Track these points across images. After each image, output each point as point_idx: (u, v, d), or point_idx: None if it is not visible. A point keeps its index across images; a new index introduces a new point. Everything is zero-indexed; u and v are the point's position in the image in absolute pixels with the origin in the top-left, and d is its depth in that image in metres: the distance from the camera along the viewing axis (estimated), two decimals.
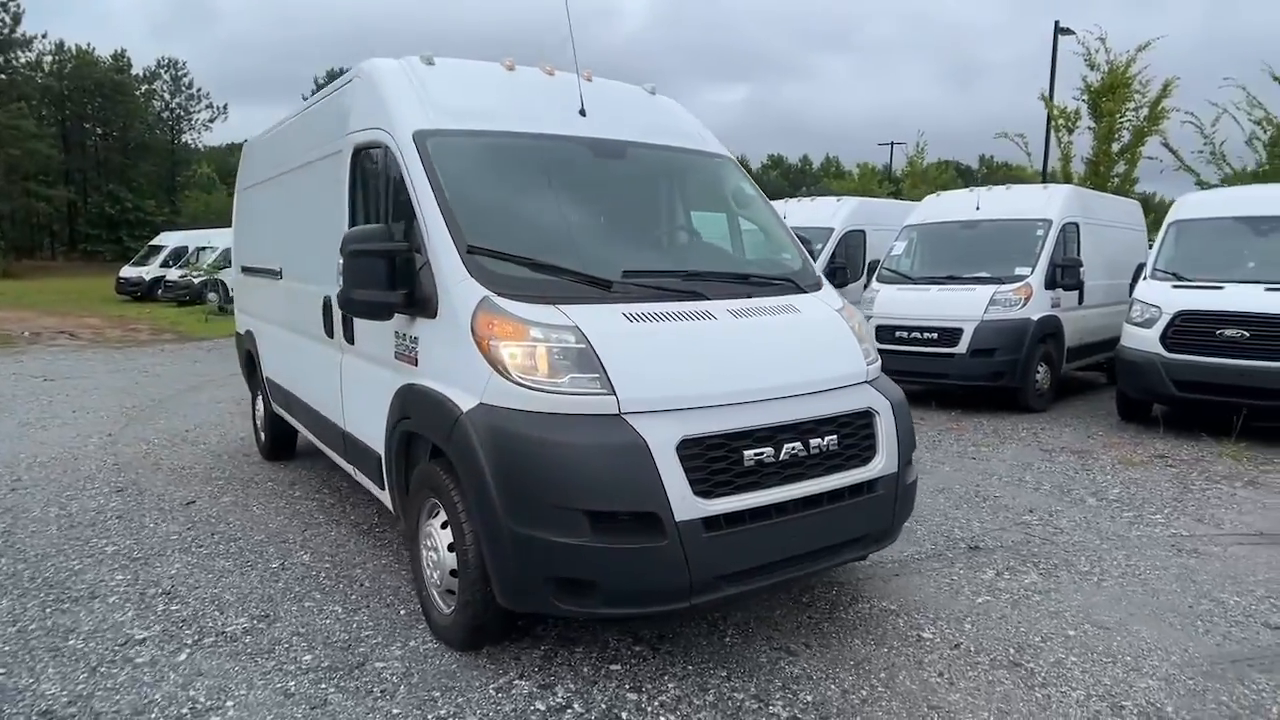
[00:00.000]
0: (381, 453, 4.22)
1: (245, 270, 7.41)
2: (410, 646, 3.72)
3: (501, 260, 3.64)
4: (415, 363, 3.76)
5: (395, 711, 3.18)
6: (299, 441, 7.29)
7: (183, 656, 3.63)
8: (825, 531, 3.52)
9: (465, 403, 3.37)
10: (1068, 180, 15.54)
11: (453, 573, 3.60)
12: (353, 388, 4.61)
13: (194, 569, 4.68)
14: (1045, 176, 17.97)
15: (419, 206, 3.76)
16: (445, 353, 3.55)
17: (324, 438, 5.32)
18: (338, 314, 4.65)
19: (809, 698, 3.29)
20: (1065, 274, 9.34)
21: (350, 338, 4.53)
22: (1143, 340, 8.01)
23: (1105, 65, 15.46)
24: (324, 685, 3.38)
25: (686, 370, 3.40)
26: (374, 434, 4.31)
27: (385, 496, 4.35)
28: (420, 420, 3.69)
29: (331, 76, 42.49)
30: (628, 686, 3.37)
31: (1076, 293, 9.55)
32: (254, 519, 5.60)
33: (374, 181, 4.36)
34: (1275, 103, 14.68)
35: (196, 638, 3.81)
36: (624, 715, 3.16)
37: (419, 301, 3.69)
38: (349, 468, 4.94)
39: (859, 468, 3.62)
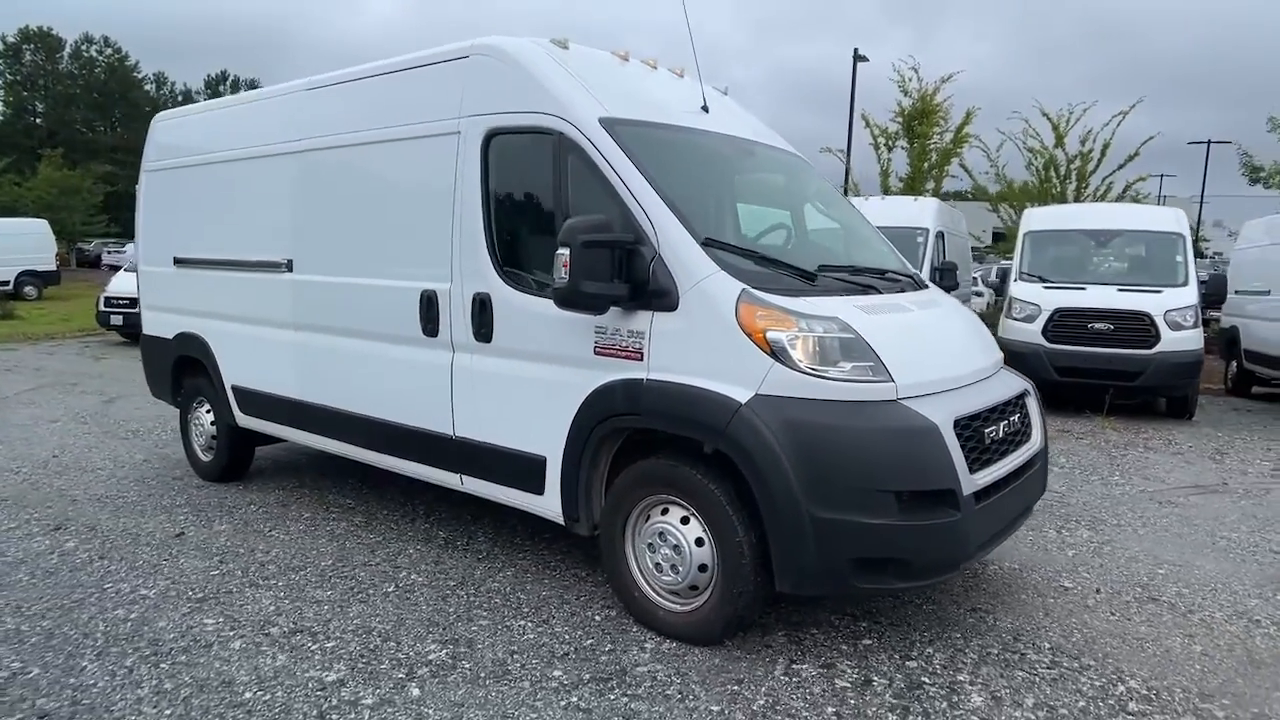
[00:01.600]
0: (548, 455, 4.01)
1: (183, 263, 6.42)
2: (650, 648, 3.61)
3: (732, 253, 3.66)
4: (640, 357, 3.65)
5: (714, 709, 3.12)
6: (255, 459, 6.51)
7: (414, 692, 3.25)
8: (1021, 499, 3.94)
9: (738, 394, 3.37)
10: (887, 193, 17.55)
11: (701, 568, 3.56)
12: (486, 389, 4.29)
13: (295, 602, 4.11)
14: (847, 189, 20.08)
15: (634, 198, 3.66)
16: (695, 346, 3.50)
17: (395, 448, 4.85)
18: (458, 309, 4.32)
19: (1045, 644, 3.69)
20: (944, 277, 10.58)
21: (486, 335, 4.22)
22: (1026, 333, 9.40)
23: (917, 92, 17.74)
24: (609, 695, 3.21)
25: (930, 356, 3.65)
26: (531, 436, 4.09)
27: (541, 502, 4.12)
28: (665, 415, 3.58)
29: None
30: (898, 656, 3.56)
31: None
32: (294, 545, 4.97)
33: (530, 169, 4.13)
34: (1048, 133, 17.68)
35: (406, 671, 3.41)
36: (925, 680, 3.36)
37: (653, 294, 3.59)
38: (452, 477, 4.56)
39: (1027, 442, 4.09)
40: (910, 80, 17.90)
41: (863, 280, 4.08)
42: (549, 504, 4.10)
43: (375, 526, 5.34)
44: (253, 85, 72.79)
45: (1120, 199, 17.24)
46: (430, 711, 3.10)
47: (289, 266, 5.42)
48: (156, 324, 6.80)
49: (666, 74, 4.81)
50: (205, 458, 6.56)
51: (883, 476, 3.24)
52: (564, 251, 3.53)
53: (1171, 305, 9.03)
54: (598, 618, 3.93)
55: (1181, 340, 8.79)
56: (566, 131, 3.90)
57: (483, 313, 4.21)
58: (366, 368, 4.94)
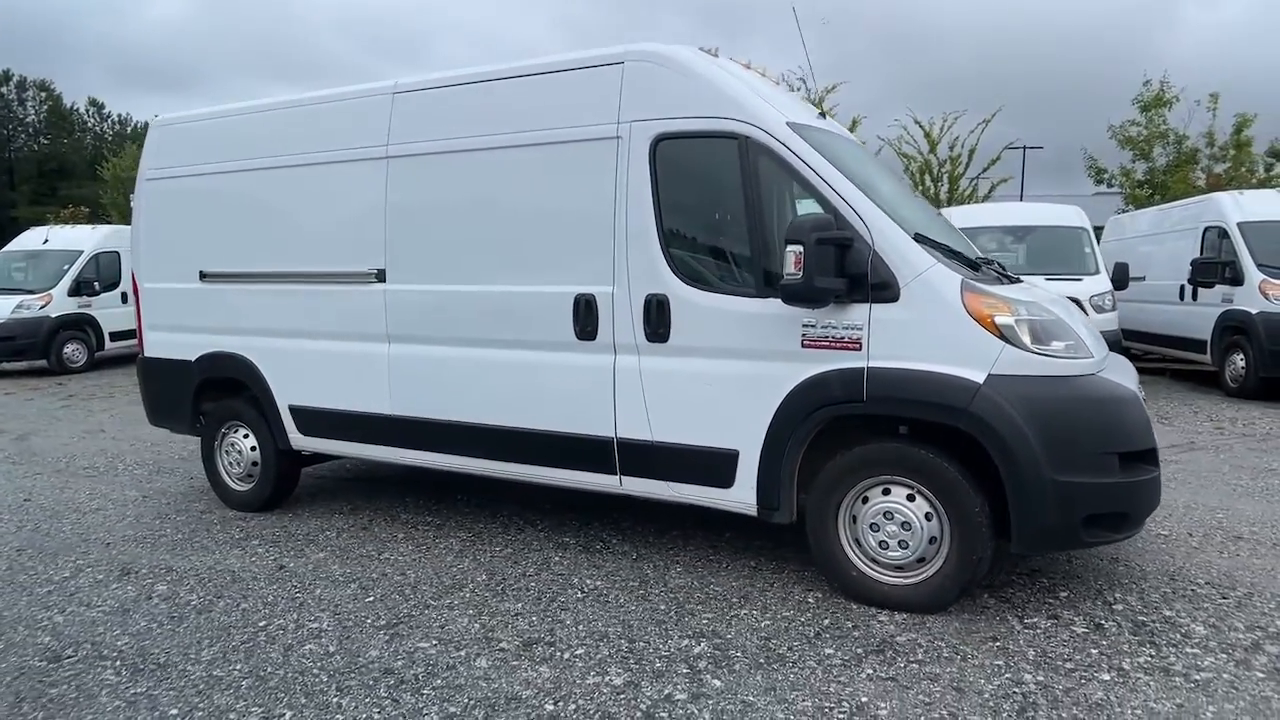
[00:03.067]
0: (742, 448, 4.14)
1: (214, 278, 5.91)
2: (884, 620, 3.82)
3: (931, 246, 3.96)
4: (858, 347, 3.86)
5: (998, 663, 3.39)
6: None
7: (715, 683, 3.30)
8: None
9: (974, 375, 3.67)
10: None
11: (931, 540, 3.83)
12: (660, 389, 4.33)
13: (493, 617, 3.99)
14: None
15: (841, 198, 3.89)
16: (921, 333, 3.76)
17: (533, 456, 4.76)
18: (623, 311, 4.35)
19: (1201, 579, 4.25)
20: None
21: (662, 336, 4.28)
22: None
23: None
24: (898, 663, 3.40)
25: (1090, 335, 4.10)
26: (719, 432, 4.20)
27: (729, 495, 4.23)
28: (896, 400, 3.80)
29: None
30: (1100, 602, 3.98)
31: None
32: (425, 565, 4.76)
33: (711, 172, 4.27)
34: (922, 141, 19.28)
35: (687, 666, 3.44)
36: (1143, 619, 3.79)
37: (873, 287, 3.82)
38: (607, 479, 4.56)
39: None
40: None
41: (998, 270, 4.51)
42: (739, 496, 4.22)
43: (491, 539, 5.20)
44: (43, 86, 65.36)
45: (986, 199, 19.13)
46: (752, 698, 3.18)
47: (380, 277, 5.17)
48: (169, 346, 6.20)
49: (768, 82, 5.04)
50: (241, 487, 6.06)
51: (1110, 440, 3.64)
52: (796, 248, 3.69)
53: (1094, 290, 10.23)
54: (810, 599, 4.10)
55: (1105, 321, 9.98)
56: (754, 135, 4.05)
57: (659, 314, 4.27)
58: (496, 377, 4.82)
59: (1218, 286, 10.81)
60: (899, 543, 3.89)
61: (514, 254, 4.75)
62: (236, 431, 6.03)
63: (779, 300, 3.92)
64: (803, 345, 3.97)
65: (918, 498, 3.86)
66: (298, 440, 5.71)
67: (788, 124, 4.07)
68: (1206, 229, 11.26)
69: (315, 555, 5.02)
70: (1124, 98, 21.28)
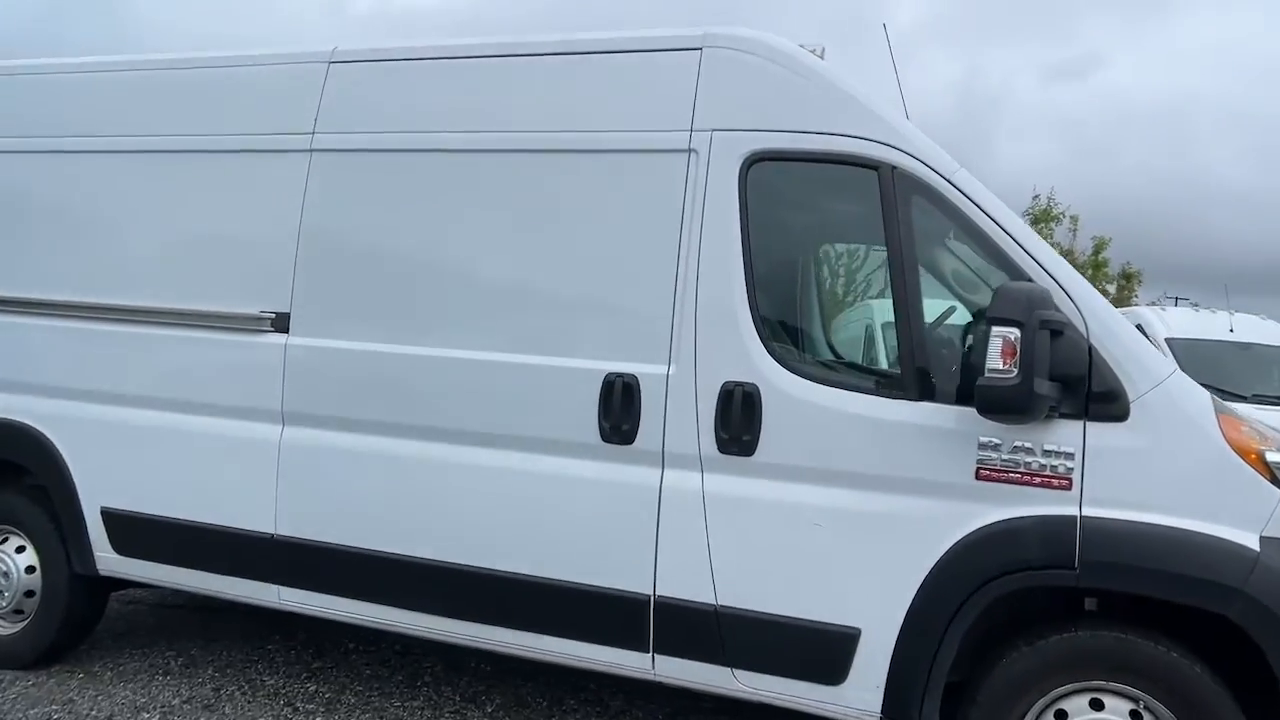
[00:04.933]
0: (866, 627, 2.73)
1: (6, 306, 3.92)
2: None
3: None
4: (1068, 485, 2.58)
5: None
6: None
7: None
8: None
9: (1242, 537, 2.48)
10: None
11: None
12: (734, 525, 2.87)
13: None
14: None
15: (1039, 264, 2.68)
16: (1161, 470, 2.55)
17: (516, 617, 3.11)
18: (683, 404, 2.90)
19: None
20: None
21: (745, 445, 2.84)
22: None
23: None
24: None
25: None
26: (831, 599, 2.79)
27: (835, 695, 2.78)
28: (1127, 570, 2.52)
29: None
30: None
31: None
32: None
33: (833, 212, 2.96)
34: None
35: None
36: None
37: (1094, 397, 2.58)
38: (636, 658, 2.99)
39: None
40: None
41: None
42: (852, 699, 2.77)
43: None
44: None
45: None
46: None
47: (279, 324, 3.43)
48: None
49: None
50: (7, 629, 3.93)
51: None
52: (1009, 331, 2.41)
53: None
54: None
55: None
56: (905, 166, 2.79)
57: (744, 412, 2.83)
58: (466, 490, 3.19)
59: None
60: None
61: (510, 306, 3.19)
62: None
63: (943, 406, 2.66)
64: (978, 477, 2.65)
65: (1145, 716, 2.57)
66: (109, 562, 3.73)
67: (944, 156, 2.84)
68: None
69: None
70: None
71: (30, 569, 3.89)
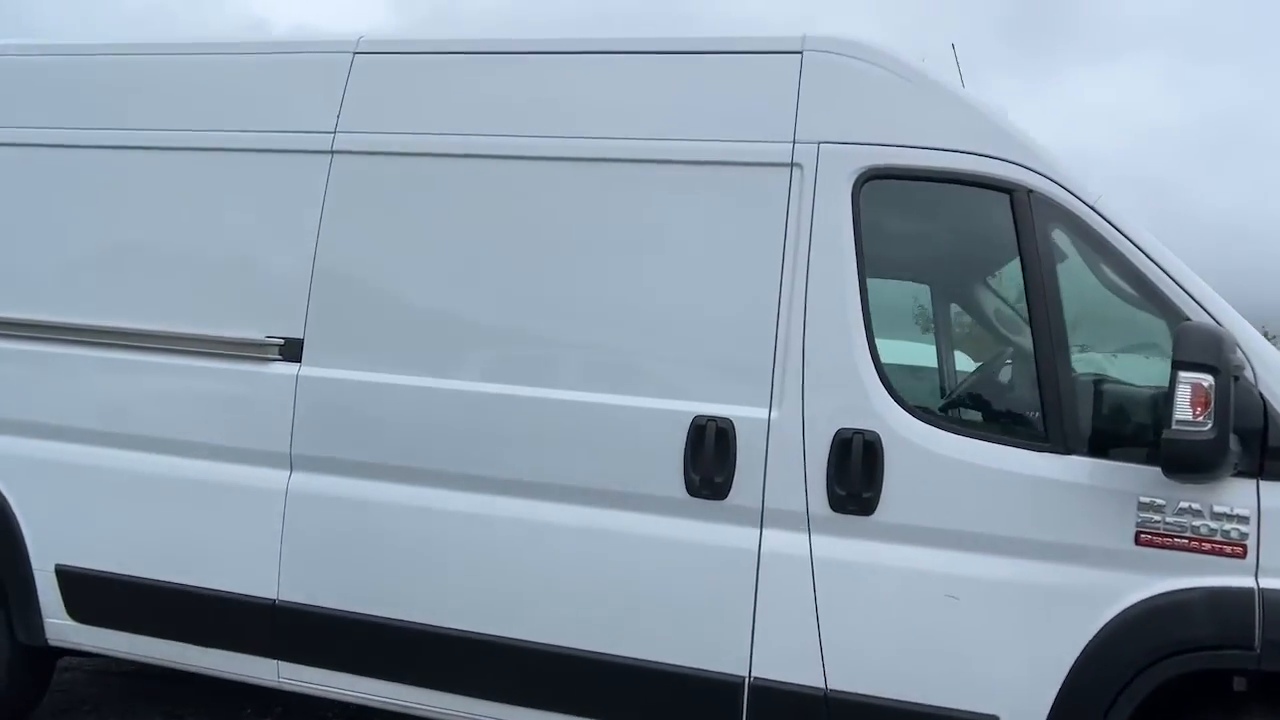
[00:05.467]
0: (1004, 714, 2.35)
1: None
2: None
3: None
4: (1242, 553, 2.27)
5: None
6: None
7: None
8: None
9: None
10: None
11: None
12: (860, 597, 2.47)
13: None
14: None
15: (1200, 304, 2.38)
16: None
17: (600, 702, 2.63)
18: (789, 453, 2.52)
19: None
20: None
21: (864, 502, 2.45)
22: None
23: None
24: None
25: None
26: (972, 684, 2.41)
27: None
28: None
29: None
30: None
31: None
32: None
33: (958, 237, 2.62)
34: None
35: None
36: None
37: (1272, 453, 2.28)
38: None
39: None
40: None
41: None
42: None
43: None
44: None
45: None
46: None
47: (289, 352, 2.92)
48: None
49: None
50: None
51: None
52: (1202, 378, 2.09)
53: None
54: None
55: None
56: (1043, 190, 2.48)
57: (864, 464, 2.45)
58: (517, 551, 2.71)
59: None
60: None
61: (573, 335, 2.76)
62: None
63: (1098, 460, 2.32)
64: (1138, 542, 2.31)
65: None
66: (62, 631, 3.13)
67: (1076, 181, 2.55)
68: None
69: None
70: None
71: None
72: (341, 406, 2.88)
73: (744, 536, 2.54)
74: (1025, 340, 2.48)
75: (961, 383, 2.76)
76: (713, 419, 2.55)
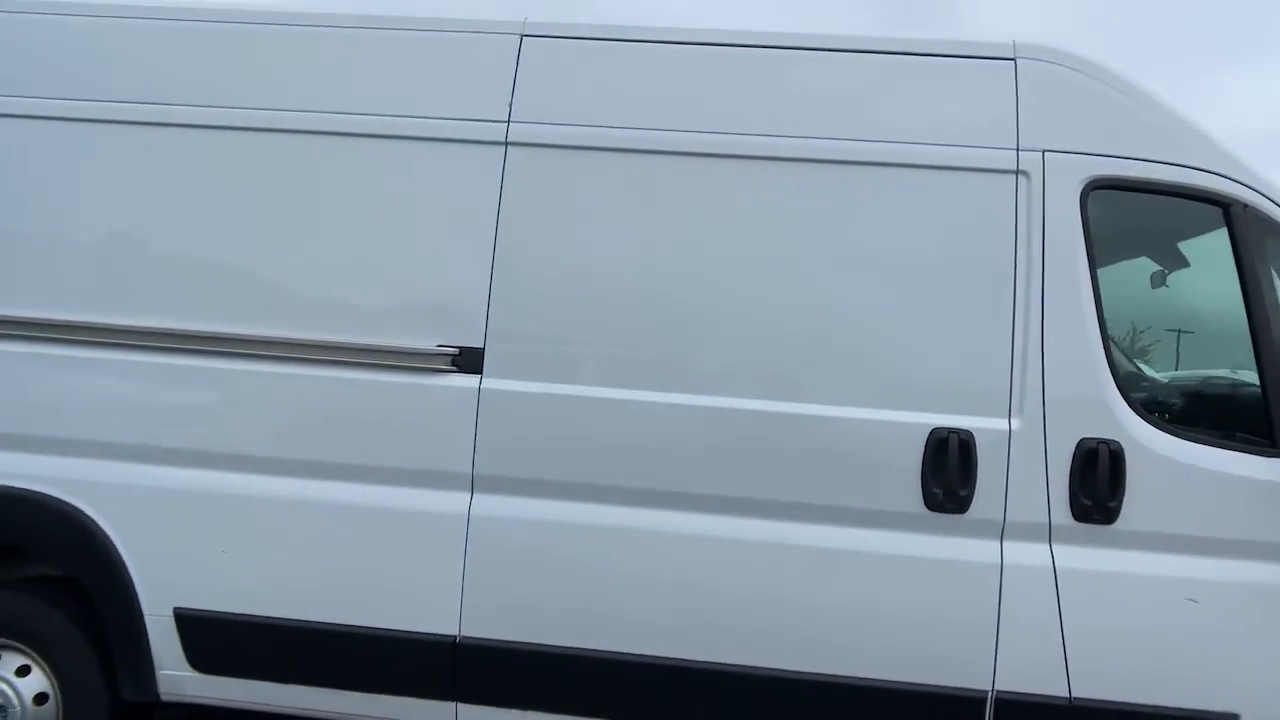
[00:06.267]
0: (1256, 715, 2.45)
1: (18, 330, 2.80)
2: None
3: None
4: None
5: None
6: None
7: None
8: None
9: None
10: None
11: None
12: (1103, 606, 2.49)
13: None
14: None
15: None
16: None
17: None
18: (1030, 464, 2.51)
19: None
20: None
21: (1107, 511, 2.48)
22: None
23: None
24: None
25: None
26: (1212, 685, 2.48)
27: None
28: None
29: None
30: None
31: None
32: None
33: (1178, 248, 2.67)
34: None
35: None
36: None
37: None
38: None
39: None
40: None
41: None
42: None
43: None
44: None
45: None
46: None
47: (464, 363, 2.66)
48: None
49: None
50: None
51: None
52: None
53: None
54: None
55: None
56: (1257, 205, 2.58)
57: (1110, 473, 2.48)
58: (745, 571, 2.58)
59: None
60: None
61: (794, 345, 2.64)
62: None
63: None
64: None
65: None
66: (179, 684, 2.75)
67: None
68: None
69: None
70: None
71: (40, 698, 2.76)
72: (533, 422, 2.64)
73: (986, 550, 2.52)
74: (1247, 348, 2.56)
75: (1191, 391, 2.83)
76: (954, 431, 2.50)
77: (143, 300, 2.73)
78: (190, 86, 2.80)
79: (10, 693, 2.74)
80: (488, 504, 2.65)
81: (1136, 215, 2.75)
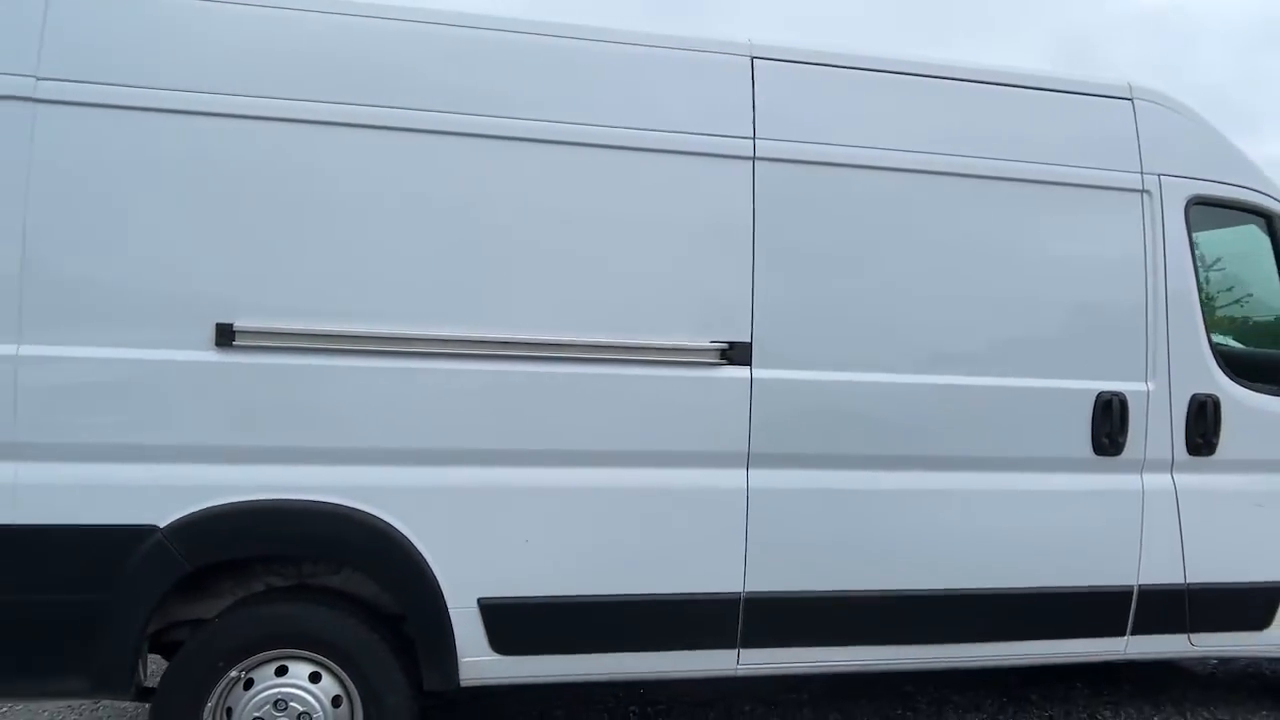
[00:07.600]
0: None
1: (285, 341, 2.76)
2: None
3: None
4: None
5: None
6: None
7: None
8: None
9: None
10: None
11: None
12: (1205, 516, 3.37)
13: None
14: None
15: None
16: None
17: (1026, 625, 3.29)
18: (1160, 416, 3.34)
19: None
20: None
21: (1209, 447, 3.38)
22: None
23: None
24: None
25: None
26: (1270, 563, 3.49)
27: (1270, 638, 3.52)
28: None
29: None
30: None
31: None
32: None
33: (1233, 250, 3.60)
34: None
35: None
36: None
37: None
38: (1119, 645, 3.38)
39: None
40: None
41: None
42: (1276, 636, 3.53)
43: None
44: None
45: None
46: None
47: (734, 355, 3.03)
48: (80, 497, 2.64)
49: None
50: None
51: None
52: None
53: None
54: None
55: None
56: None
57: (1213, 419, 3.38)
58: (960, 515, 3.22)
59: None
60: None
61: (1002, 330, 3.27)
62: (274, 676, 2.81)
63: None
64: None
65: None
66: (480, 668, 2.93)
67: None
68: None
69: None
70: None
71: (336, 700, 2.85)
72: (793, 404, 3.07)
73: (1131, 481, 3.32)
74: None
75: (1262, 358, 3.76)
76: (1115, 394, 3.26)
77: (468, 311, 2.81)
78: (524, 100, 2.88)
79: (313, 701, 2.79)
80: (764, 477, 3.05)
81: (1214, 226, 3.62)
